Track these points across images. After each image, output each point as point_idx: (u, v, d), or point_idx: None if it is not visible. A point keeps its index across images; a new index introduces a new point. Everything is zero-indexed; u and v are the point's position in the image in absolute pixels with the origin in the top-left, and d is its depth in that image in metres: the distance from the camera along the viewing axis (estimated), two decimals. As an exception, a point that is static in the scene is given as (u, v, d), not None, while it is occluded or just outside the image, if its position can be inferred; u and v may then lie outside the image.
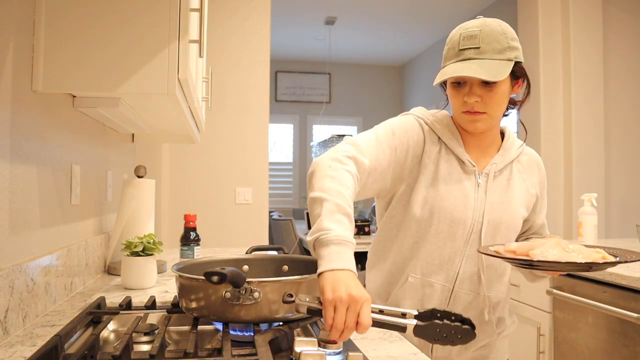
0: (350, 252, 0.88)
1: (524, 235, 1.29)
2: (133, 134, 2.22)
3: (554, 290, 1.95)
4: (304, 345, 0.79)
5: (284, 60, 7.05)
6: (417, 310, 0.86)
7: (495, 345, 1.25)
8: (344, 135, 5.82)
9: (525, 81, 1.18)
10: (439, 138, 1.19)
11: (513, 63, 1.09)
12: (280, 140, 7.20)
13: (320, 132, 7.29)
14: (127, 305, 1.13)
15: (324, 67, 7.13)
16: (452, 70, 1.09)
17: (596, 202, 2.33)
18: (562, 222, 3.56)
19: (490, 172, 1.17)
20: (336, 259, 0.86)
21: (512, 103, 1.21)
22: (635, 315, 1.59)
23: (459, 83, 1.13)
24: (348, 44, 6.48)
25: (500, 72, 1.06)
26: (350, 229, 0.92)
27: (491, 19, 1.14)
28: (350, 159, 1.05)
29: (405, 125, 1.19)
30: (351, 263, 0.87)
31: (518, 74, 1.14)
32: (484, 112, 1.12)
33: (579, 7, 3.56)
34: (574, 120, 3.55)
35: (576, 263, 0.95)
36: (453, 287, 1.18)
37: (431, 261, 1.17)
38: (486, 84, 1.09)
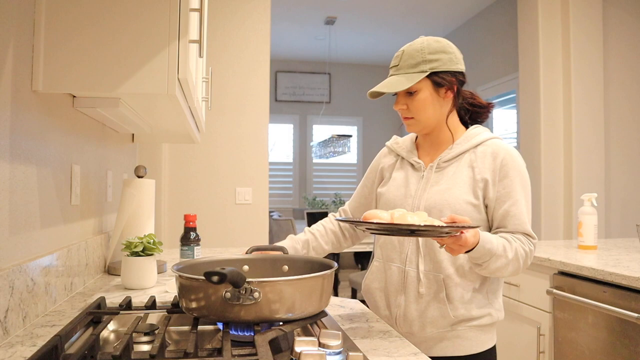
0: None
1: (498, 229, 1.26)
2: (133, 134, 2.22)
3: (554, 290, 1.95)
4: (304, 345, 0.79)
5: (284, 60, 7.06)
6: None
7: (465, 334, 1.26)
8: (343, 135, 5.81)
9: (455, 87, 1.29)
10: (397, 154, 1.43)
11: (427, 73, 1.25)
12: (280, 140, 7.20)
13: (320, 132, 7.30)
14: (127, 305, 1.13)
15: (323, 67, 7.14)
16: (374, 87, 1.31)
17: (596, 202, 2.33)
18: (562, 222, 3.56)
19: (434, 165, 1.31)
20: None
21: (480, 107, 1.36)
22: (635, 315, 1.59)
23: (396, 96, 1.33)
24: (348, 44, 6.48)
25: (404, 83, 1.24)
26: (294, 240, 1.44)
27: (423, 39, 1.29)
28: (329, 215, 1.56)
29: (374, 160, 1.51)
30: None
31: (442, 82, 1.26)
32: (412, 117, 1.30)
33: (579, 7, 3.56)
34: (574, 120, 3.55)
35: (380, 222, 0.97)
36: (405, 267, 1.30)
37: (386, 246, 1.36)
38: (409, 94, 1.28)
